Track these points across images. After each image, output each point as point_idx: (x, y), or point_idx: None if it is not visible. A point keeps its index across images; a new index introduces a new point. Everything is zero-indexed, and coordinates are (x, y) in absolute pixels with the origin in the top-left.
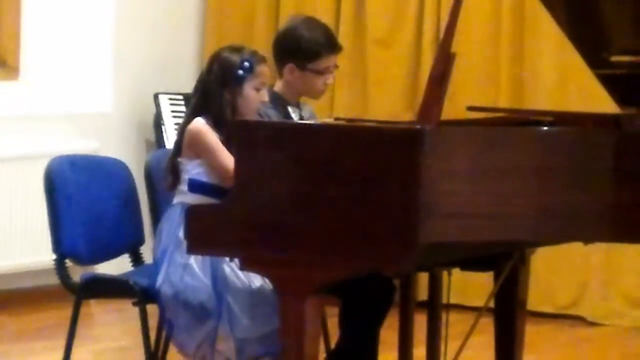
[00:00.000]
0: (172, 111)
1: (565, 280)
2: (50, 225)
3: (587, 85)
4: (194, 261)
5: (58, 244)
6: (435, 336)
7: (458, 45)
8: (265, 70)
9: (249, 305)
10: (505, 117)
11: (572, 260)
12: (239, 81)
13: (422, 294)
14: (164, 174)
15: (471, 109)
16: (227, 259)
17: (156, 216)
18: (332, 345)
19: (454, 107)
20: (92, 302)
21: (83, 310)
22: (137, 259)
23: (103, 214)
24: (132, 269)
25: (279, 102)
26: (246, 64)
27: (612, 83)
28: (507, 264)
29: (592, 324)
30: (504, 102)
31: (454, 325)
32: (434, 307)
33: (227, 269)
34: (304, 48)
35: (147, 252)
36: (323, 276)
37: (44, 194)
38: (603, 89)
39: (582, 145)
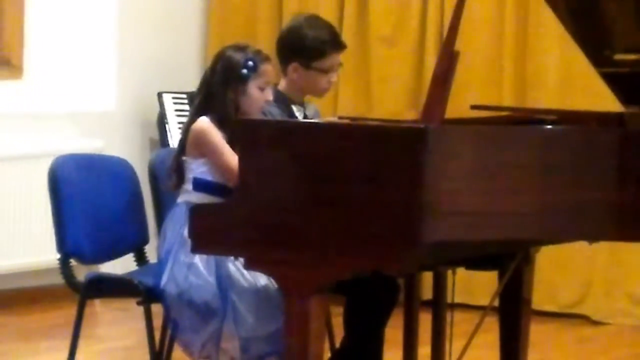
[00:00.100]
0: (176, 110)
1: (570, 279)
2: (55, 225)
3: (591, 84)
4: (199, 260)
5: (62, 244)
6: (439, 335)
7: (462, 44)
8: (270, 69)
9: (254, 304)
10: (508, 116)
11: (577, 259)
12: (243, 80)
13: (427, 293)
14: (168, 173)
15: (475, 107)
16: (232, 257)
17: (160, 215)
18: (337, 344)
19: (458, 106)
20: (97, 301)
21: (87, 309)
22: (141, 258)
23: (107, 213)
24: (136, 268)
25: (282, 100)
26: (250, 63)
27: (616, 81)
28: (511, 263)
29: (597, 323)
30: (507, 101)
31: (459, 324)
32: (439, 306)
33: (232, 268)
34: (308, 47)
35: (151, 252)
36: (327, 275)
37: (48, 193)
38: (607, 88)
39: (586, 144)
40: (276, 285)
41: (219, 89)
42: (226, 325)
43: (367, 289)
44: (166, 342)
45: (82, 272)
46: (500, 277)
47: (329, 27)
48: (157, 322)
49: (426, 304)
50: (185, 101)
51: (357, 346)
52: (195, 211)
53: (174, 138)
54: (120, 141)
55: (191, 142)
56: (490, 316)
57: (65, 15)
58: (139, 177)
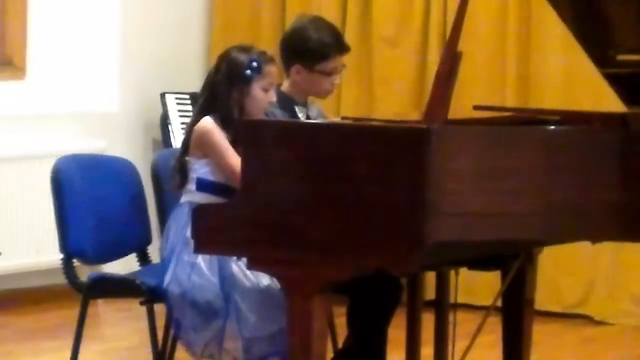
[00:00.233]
0: (179, 110)
1: (573, 279)
2: (57, 225)
3: (594, 84)
4: (202, 260)
5: (65, 244)
6: (442, 335)
7: (464, 44)
8: (274, 70)
9: (257, 304)
10: (511, 117)
11: (580, 260)
12: (247, 81)
13: (430, 293)
14: (171, 173)
15: (478, 108)
16: (235, 257)
17: (163, 215)
18: (340, 344)
19: (461, 106)
20: (99, 301)
21: (90, 309)
22: (144, 259)
23: (110, 213)
24: (139, 268)
25: (285, 101)
26: (254, 63)
27: (619, 82)
28: (514, 263)
29: (600, 323)
30: (510, 102)
31: (462, 324)
32: (442, 307)
33: (234, 268)
34: (311, 49)
35: (154, 252)
36: (330, 275)
37: (51, 193)
38: (610, 88)
39: (589, 144)
40: (279, 285)
41: (222, 89)
42: (229, 325)
43: (370, 289)
44: (169, 342)
45: (84, 272)
46: (503, 277)
47: (332, 29)
48: (160, 322)
49: (429, 304)
50: (188, 102)
51: (360, 346)
52: (198, 211)
53: (177, 139)
54: (123, 142)
55: (194, 142)
56: (493, 316)
57: (68, 15)
58: (141, 177)
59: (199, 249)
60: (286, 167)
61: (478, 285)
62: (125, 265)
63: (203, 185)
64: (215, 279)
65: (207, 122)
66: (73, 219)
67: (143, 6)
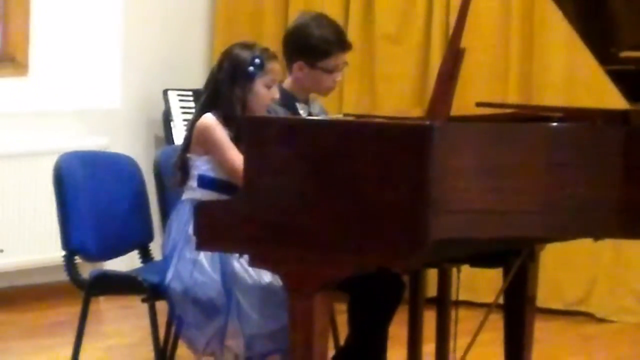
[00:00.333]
0: (181, 107)
1: (575, 276)
2: (60, 222)
3: (597, 81)
4: (204, 257)
5: (67, 241)
6: (444, 332)
7: (467, 41)
8: (277, 67)
9: (259, 302)
10: (514, 113)
11: (581, 257)
12: (250, 78)
13: (432, 290)
14: (173, 170)
15: (480, 104)
16: (237, 255)
17: (165, 212)
18: (342, 341)
19: (463, 103)
20: (101, 298)
21: (92, 306)
22: (146, 256)
23: (112, 210)
24: (141, 265)
25: (287, 98)
26: (257, 60)
27: (622, 79)
28: (516, 261)
29: (601, 320)
30: (513, 98)
31: (463, 321)
32: (443, 304)
33: (236, 265)
34: (313, 46)
35: (156, 249)
36: (332, 272)
37: (53, 190)
38: (612, 85)
39: (591, 141)
40: (280, 283)
41: (225, 86)
42: (231, 322)
43: (372, 287)
44: (170, 339)
45: (86, 269)
46: (505, 274)
47: (335, 26)
48: (162, 319)
49: (431, 301)
50: (191, 98)
51: (360, 343)
52: (200, 208)
53: (179, 135)
54: (125, 138)
55: (195, 139)
56: (494, 313)
57: (71, 12)
58: (144, 174)
59: (201, 246)
60: (288, 164)
61: (480, 283)
62: (127, 262)
63: (205, 182)
64: (217, 276)
65: (209, 119)
66: (75, 215)
67: (145, 3)
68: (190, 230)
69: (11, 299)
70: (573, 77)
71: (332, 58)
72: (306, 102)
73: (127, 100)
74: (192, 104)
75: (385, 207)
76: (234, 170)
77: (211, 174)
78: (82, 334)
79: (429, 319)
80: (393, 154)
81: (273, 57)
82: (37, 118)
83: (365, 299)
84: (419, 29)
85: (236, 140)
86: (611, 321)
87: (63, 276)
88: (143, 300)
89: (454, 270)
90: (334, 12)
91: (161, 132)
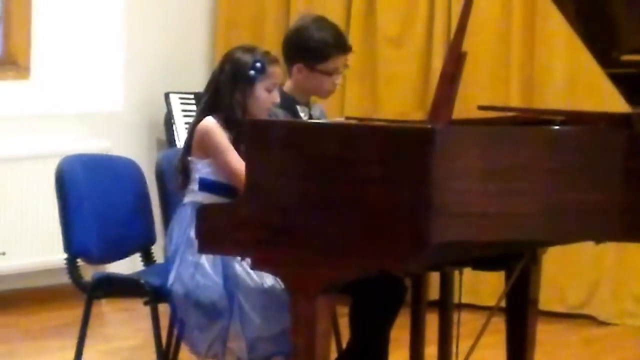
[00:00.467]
0: (183, 110)
1: (577, 279)
2: (62, 225)
3: (598, 85)
4: (205, 260)
5: (69, 244)
6: (446, 336)
7: (469, 44)
8: (278, 71)
9: (261, 305)
10: (516, 117)
11: (583, 260)
12: (251, 81)
13: (434, 293)
14: (174, 173)
15: (482, 108)
16: (239, 258)
17: (167, 215)
18: (344, 344)
19: (465, 107)
20: (103, 301)
21: (94, 309)
22: (148, 259)
23: (114, 213)
24: (143, 268)
25: (287, 101)
26: (258, 64)
27: (623, 82)
28: (518, 264)
29: (603, 323)
30: (514, 102)
31: (465, 324)
32: (446, 307)
33: (238, 268)
34: (312, 49)
35: (158, 252)
36: (334, 275)
37: (55, 193)
38: (614, 88)
39: (593, 145)
40: (282, 286)
41: (226, 89)
42: (233, 325)
43: (374, 289)
44: (173, 342)
45: (89, 272)
46: (507, 277)
47: (334, 29)
48: (164, 322)
49: (433, 304)
50: (193, 101)
51: (363, 346)
52: (202, 211)
53: (181, 138)
54: (127, 141)
55: (196, 142)
56: (497, 316)
57: (72, 15)
58: (146, 177)
59: (203, 249)
60: (290, 167)
61: (482, 286)
62: (129, 265)
63: (206, 185)
64: (219, 279)
65: (209, 122)
66: (77, 218)
67: (147, 6)
68: (192, 233)
69: (13, 302)
70: (575, 79)
71: (331, 61)
72: (307, 105)
73: (129, 103)
74: (194, 107)
75: (387, 210)
76: (234, 173)
77: (212, 177)
78: (85, 337)
79: (431, 322)
80: (395, 157)
81: (274, 60)
82: (39, 121)
83: (367, 302)
84: (421, 32)
85: (235, 143)
86: (614, 324)
87: (65, 279)
88: (145, 303)
89: (456, 273)
90: (335, 14)
91: (163, 135)
